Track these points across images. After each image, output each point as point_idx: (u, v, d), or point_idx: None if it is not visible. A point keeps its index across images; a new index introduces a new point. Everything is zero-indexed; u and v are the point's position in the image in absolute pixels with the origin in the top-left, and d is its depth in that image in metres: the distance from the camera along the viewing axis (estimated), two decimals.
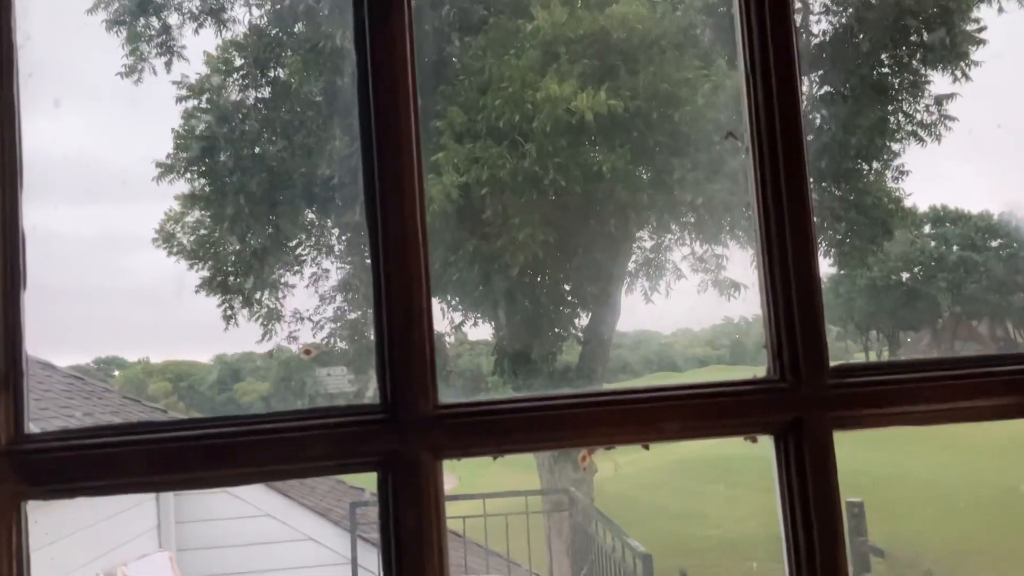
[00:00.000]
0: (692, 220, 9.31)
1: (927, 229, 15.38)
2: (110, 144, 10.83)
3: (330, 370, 10.47)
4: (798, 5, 8.93)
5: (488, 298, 9.38)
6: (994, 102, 10.64)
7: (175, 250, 9.49)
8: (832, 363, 0.98)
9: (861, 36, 8.99)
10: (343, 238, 9.97)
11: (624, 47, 8.46)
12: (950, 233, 15.46)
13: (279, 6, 9.28)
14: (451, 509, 6.79)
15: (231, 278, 9.55)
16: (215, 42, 9.31)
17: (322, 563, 7.25)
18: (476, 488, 7.42)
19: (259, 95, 9.45)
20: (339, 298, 9.94)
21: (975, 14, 8.83)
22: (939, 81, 9.04)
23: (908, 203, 9.75)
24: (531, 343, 9.59)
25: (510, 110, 8.26)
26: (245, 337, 9.83)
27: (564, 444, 0.98)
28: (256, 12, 9.36)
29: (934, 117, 9.17)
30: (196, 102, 9.26)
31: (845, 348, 17.57)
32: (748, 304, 9.75)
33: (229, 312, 9.53)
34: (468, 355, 11.77)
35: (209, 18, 9.27)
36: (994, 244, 15.10)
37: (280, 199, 9.30)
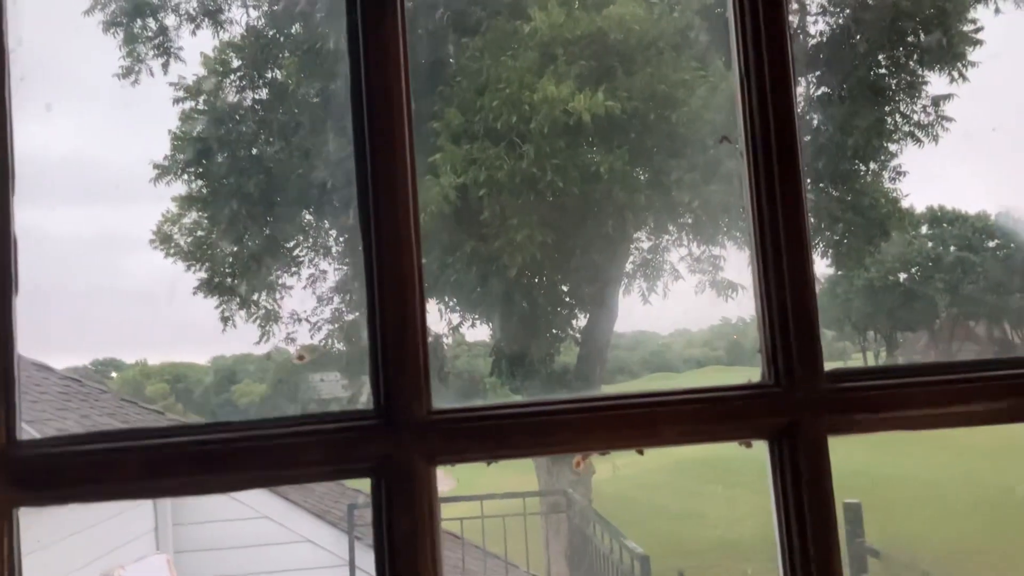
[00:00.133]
0: (689, 221, 9.32)
1: (924, 230, 15.40)
2: (107, 146, 10.84)
3: (323, 375, 10.47)
4: (795, 6, 8.93)
5: (486, 299, 9.38)
6: (991, 103, 10.66)
7: (172, 251, 9.49)
8: (827, 367, 0.98)
9: (858, 37, 9.00)
10: (340, 239, 9.97)
11: (621, 48, 8.47)
12: (947, 234, 15.48)
13: (276, 8, 9.28)
14: (449, 511, 6.81)
15: (228, 279, 9.54)
16: (212, 43, 9.31)
17: (320, 565, 7.25)
18: (474, 489, 7.43)
19: (256, 96, 9.45)
20: (336, 299, 9.94)
21: (971, 15, 8.84)
22: (936, 82, 9.06)
23: (905, 204, 9.76)
24: (529, 344, 9.59)
25: (507, 111, 8.26)
26: (243, 339, 9.83)
27: (559, 450, 0.98)
28: (253, 14, 9.36)
29: (931, 118, 9.18)
30: (193, 103, 9.26)
31: (842, 349, 17.58)
32: (745, 305, 9.76)
33: (227, 313, 9.53)
34: (466, 356, 11.76)
35: (206, 19, 9.27)
36: (991, 245, 15.12)
37: (277, 200, 9.29)
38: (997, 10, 8.72)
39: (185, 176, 9.28)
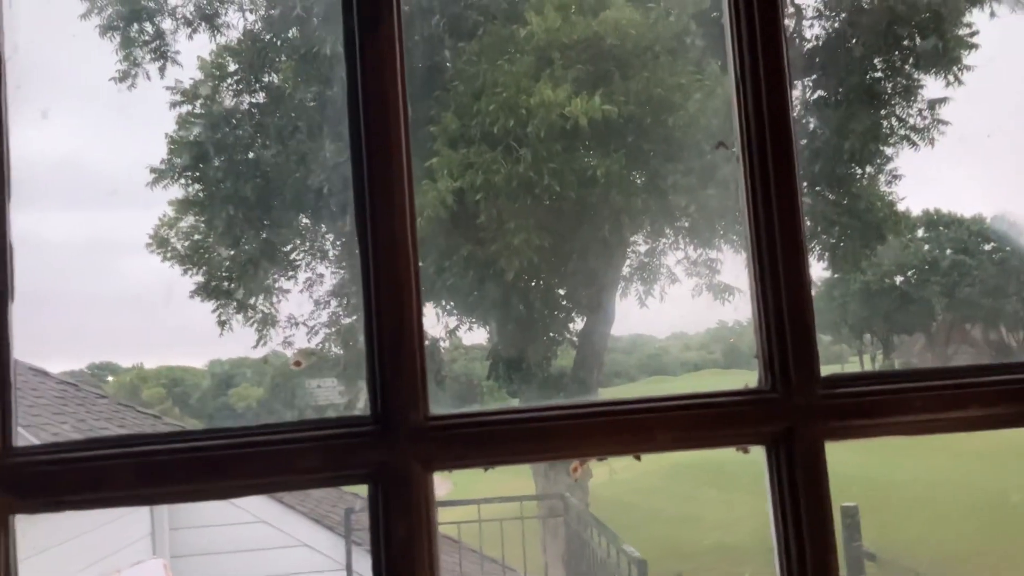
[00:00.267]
0: (686, 225, 9.33)
1: (920, 233, 15.42)
2: (104, 150, 10.83)
3: (320, 381, 10.45)
4: (791, 10, 8.96)
5: (483, 303, 9.38)
6: (986, 106, 10.68)
7: (169, 255, 9.47)
8: (824, 371, 0.98)
9: (854, 41, 9.01)
10: (337, 243, 9.97)
11: (618, 52, 8.47)
12: (943, 237, 15.50)
13: (272, 12, 9.27)
14: (446, 515, 6.80)
15: (225, 283, 9.53)
16: (209, 47, 9.31)
17: (317, 569, 7.23)
18: (471, 494, 7.42)
19: (253, 101, 9.45)
20: (333, 303, 9.93)
21: (967, 19, 8.86)
22: (932, 85, 9.08)
23: (901, 207, 9.78)
24: (525, 348, 9.59)
25: (504, 115, 8.27)
26: (240, 342, 9.82)
27: (556, 455, 0.98)
28: (250, 18, 9.36)
29: (927, 121, 9.19)
30: (190, 107, 9.25)
31: (839, 352, 17.59)
32: (742, 308, 9.77)
33: (223, 317, 9.51)
34: (463, 360, 11.75)
35: (203, 24, 9.26)
36: (987, 248, 15.14)
37: (274, 204, 9.29)
38: (992, 14, 8.75)
39: (182, 180, 9.26)
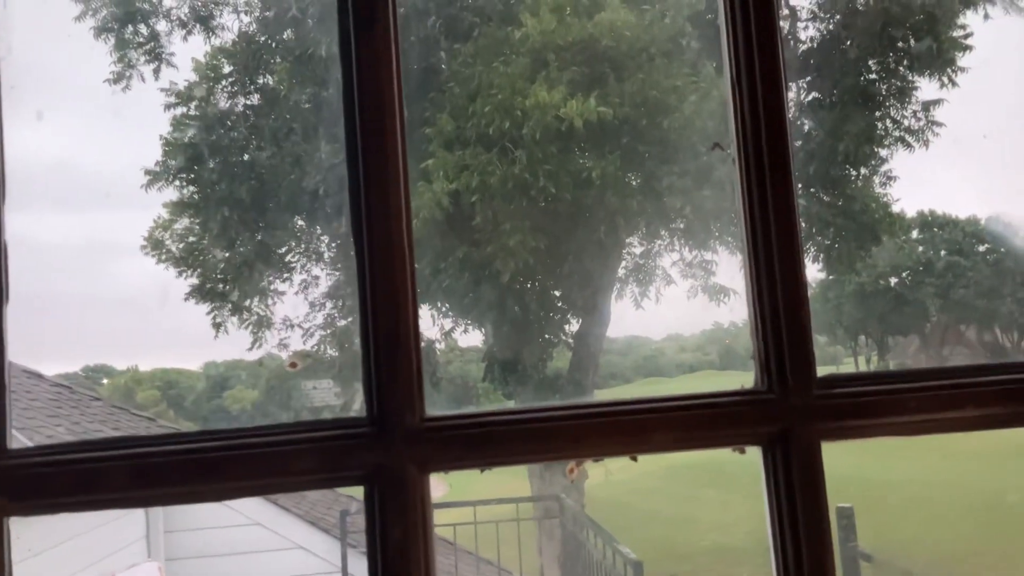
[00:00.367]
0: (681, 226, 9.33)
1: (915, 234, 15.45)
2: (98, 152, 10.80)
3: (316, 383, 10.43)
4: (785, 12, 8.97)
5: (478, 305, 9.37)
6: (981, 107, 10.71)
7: (164, 257, 9.45)
8: (820, 373, 0.98)
9: (848, 43, 9.03)
10: (333, 245, 9.95)
11: (613, 54, 8.48)
12: (938, 238, 15.54)
13: (267, 14, 9.26)
14: (441, 517, 6.79)
15: (220, 285, 9.51)
16: (204, 49, 9.29)
17: (312, 572, 7.22)
18: (467, 495, 7.42)
19: (248, 102, 9.43)
20: (329, 305, 9.92)
21: (961, 20, 8.89)
22: (926, 87, 9.10)
23: (896, 208, 9.80)
24: (521, 350, 9.59)
25: (499, 117, 8.27)
26: (235, 345, 9.80)
27: (552, 457, 0.98)
28: (245, 19, 9.35)
29: (921, 123, 9.22)
30: (185, 109, 9.23)
31: (834, 354, 17.62)
32: (738, 310, 9.78)
33: (219, 319, 9.50)
34: (458, 362, 11.75)
35: (198, 25, 9.25)
36: (981, 249, 15.18)
37: (269, 206, 9.27)
38: (986, 16, 8.78)
39: (177, 182, 9.25)
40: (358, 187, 0.97)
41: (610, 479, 10.51)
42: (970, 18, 8.84)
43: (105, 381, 14.60)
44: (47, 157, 8.90)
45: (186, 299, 9.35)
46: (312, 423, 0.95)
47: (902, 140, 9.26)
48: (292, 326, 9.68)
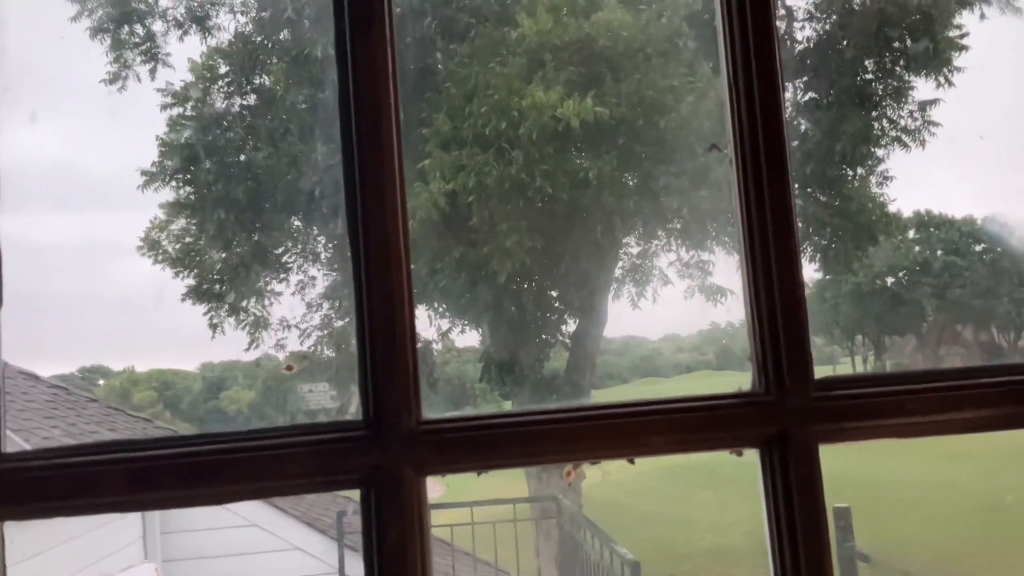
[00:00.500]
0: (678, 226, 9.34)
1: (911, 234, 15.47)
2: (94, 152, 10.79)
3: (312, 386, 10.42)
4: (782, 12, 8.97)
5: (475, 305, 9.37)
6: (977, 107, 10.73)
7: (160, 258, 9.44)
8: (817, 374, 0.98)
9: (845, 43, 9.04)
10: (329, 246, 9.95)
11: (609, 54, 8.48)
12: (934, 238, 15.56)
13: (263, 14, 9.25)
14: (439, 517, 6.79)
15: (217, 286, 9.50)
16: (200, 49, 9.28)
17: (309, 573, 7.21)
18: (464, 495, 7.41)
19: (244, 102, 9.42)
20: (326, 306, 9.91)
21: (957, 20, 8.90)
22: (922, 87, 9.11)
23: (892, 208, 9.81)
24: (518, 350, 9.59)
25: (496, 117, 8.27)
26: (232, 345, 9.79)
27: (549, 460, 0.98)
28: (241, 19, 9.33)
29: (918, 123, 9.23)
30: (181, 109, 9.22)
31: (831, 353, 17.65)
32: (735, 310, 9.79)
33: (215, 320, 9.49)
34: (455, 362, 11.75)
35: (194, 25, 9.24)
36: (978, 249, 15.20)
37: (266, 207, 9.26)
38: (982, 15, 8.79)
39: (173, 182, 9.24)
40: (354, 188, 0.97)
41: (607, 480, 10.52)
42: (966, 18, 8.86)
43: (101, 382, 14.59)
44: (43, 158, 8.89)
45: (183, 300, 9.34)
46: (308, 426, 0.94)
47: (898, 140, 9.27)
48: (289, 327, 9.68)
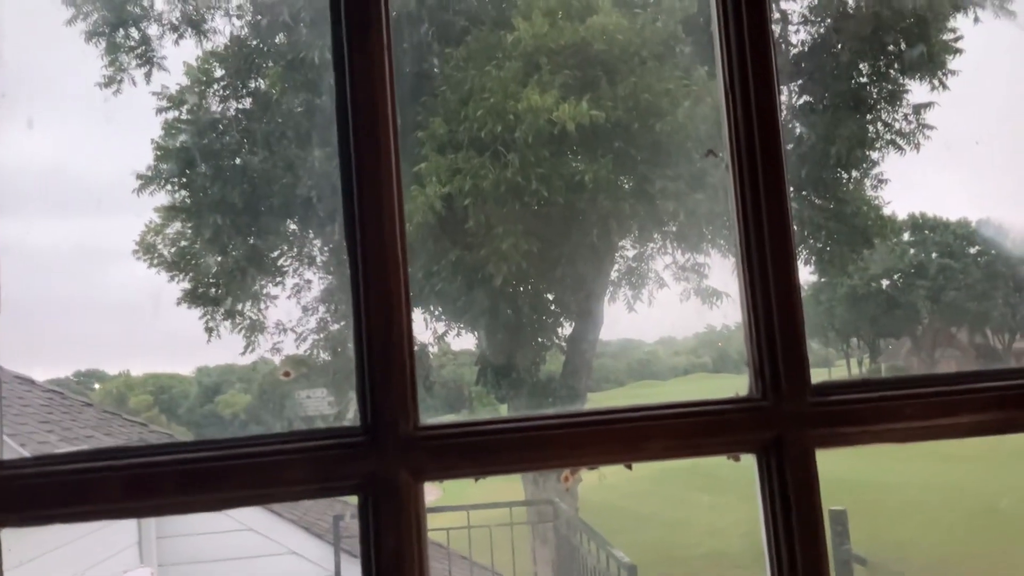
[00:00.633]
0: (674, 229, 9.35)
1: (906, 237, 15.50)
2: (90, 156, 10.76)
3: (310, 392, 10.40)
4: (776, 16, 8.99)
5: (471, 308, 9.37)
6: (971, 110, 10.76)
7: (156, 262, 9.42)
8: (812, 378, 0.98)
9: (839, 46, 9.06)
10: (325, 249, 9.94)
11: (605, 58, 8.49)
12: (929, 241, 15.58)
13: (259, 18, 9.25)
14: (435, 521, 6.77)
15: (212, 290, 9.49)
16: (195, 53, 9.27)
17: None
18: (460, 499, 7.40)
19: (240, 106, 9.42)
20: (321, 309, 9.90)
21: (951, 24, 8.93)
22: (917, 90, 9.14)
23: (887, 211, 9.83)
24: (514, 353, 9.59)
25: (492, 121, 8.27)
26: (228, 349, 9.78)
27: (547, 465, 0.98)
28: (237, 23, 9.33)
29: (912, 126, 9.25)
30: (176, 113, 9.21)
31: (826, 356, 17.66)
32: (730, 313, 9.80)
33: (211, 324, 9.48)
34: (451, 365, 11.73)
35: (189, 29, 9.23)
36: (972, 251, 15.23)
37: (261, 210, 9.26)
38: (976, 19, 8.82)
39: (168, 186, 9.23)
40: (352, 192, 0.97)
41: (604, 483, 10.51)
42: (960, 21, 8.89)
43: (97, 386, 14.55)
44: (38, 162, 8.87)
45: (178, 304, 9.33)
46: (305, 432, 0.94)
47: (893, 143, 9.29)
48: (285, 330, 9.67)
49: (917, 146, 9.24)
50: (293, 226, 9.79)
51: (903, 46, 8.91)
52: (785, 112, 9.12)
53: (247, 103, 9.42)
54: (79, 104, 9.68)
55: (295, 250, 9.99)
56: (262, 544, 7.17)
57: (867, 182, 9.61)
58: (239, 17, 9.32)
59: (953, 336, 16.01)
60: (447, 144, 8.45)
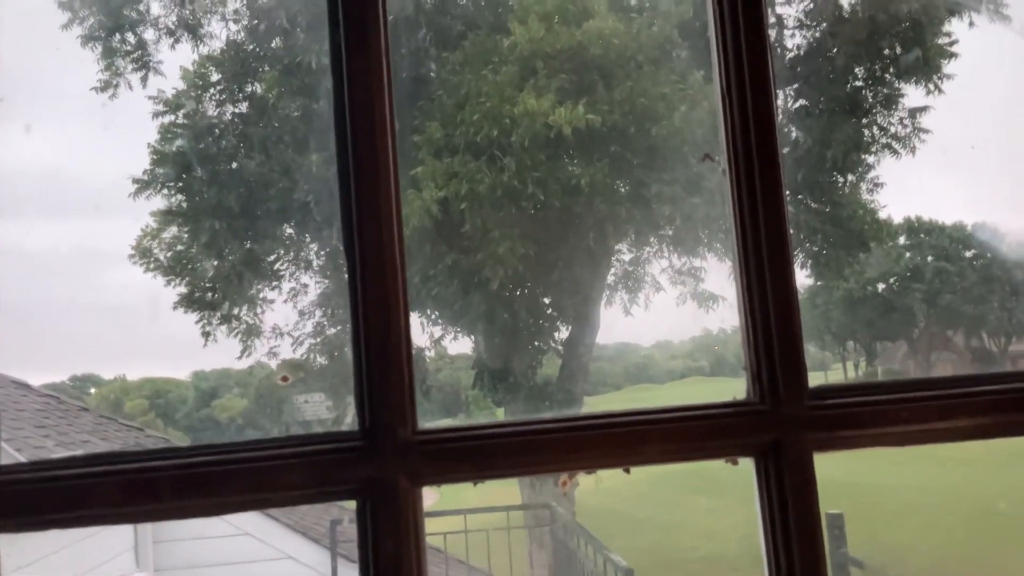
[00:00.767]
0: (670, 233, 9.35)
1: (902, 240, 15.52)
2: (86, 160, 10.74)
3: (308, 397, 10.39)
4: (772, 20, 9.01)
5: (468, 312, 9.36)
6: (967, 113, 10.78)
7: (152, 266, 9.41)
8: (810, 384, 0.98)
9: (835, 50, 9.08)
10: (322, 253, 9.94)
11: (601, 62, 8.50)
12: (925, 244, 15.61)
13: (256, 23, 9.25)
14: (432, 525, 6.76)
15: (209, 294, 9.48)
16: (192, 57, 9.27)
17: None
18: (457, 503, 7.39)
19: (236, 110, 9.41)
20: (318, 313, 9.90)
21: (947, 28, 8.95)
22: (912, 94, 9.16)
23: (883, 215, 9.85)
24: (511, 357, 9.58)
25: (488, 125, 8.28)
26: (224, 353, 9.76)
27: (545, 470, 0.98)
28: (233, 27, 9.33)
29: (908, 130, 9.27)
30: (173, 117, 9.20)
31: (822, 360, 17.67)
32: (727, 316, 9.80)
33: (207, 328, 9.46)
34: (448, 369, 11.73)
35: (186, 33, 9.22)
36: (968, 255, 15.26)
37: (258, 214, 9.25)
38: (971, 23, 8.85)
39: (165, 190, 9.22)
40: (349, 195, 0.97)
41: (600, 486, 10.50)
42: (955, 26, 8.92)
43: (93, 391, 14.51)
44: (34, 166, 8.85)
45: (175, 308, 9.31)
46: (303, 437, 0.94)
47: (889, 147, 9.31)
48: (281, 334, 9.66)
49: (913, 150, 9.27)
50: (290, 230, 9.79)
51: (899, 50, 8.93)
52: (781, 116, 9.13)
53: (244, 107, 9.41)
54: (76, 108, 9.66)
55: (292, 254, 9.98)
56: (259, 549, 7.15)
57: (863, 186, 9.63)
58: (236, 21, 9.33)
59: (949, 339, 16.04)
60: (443, 148, 8.45)
